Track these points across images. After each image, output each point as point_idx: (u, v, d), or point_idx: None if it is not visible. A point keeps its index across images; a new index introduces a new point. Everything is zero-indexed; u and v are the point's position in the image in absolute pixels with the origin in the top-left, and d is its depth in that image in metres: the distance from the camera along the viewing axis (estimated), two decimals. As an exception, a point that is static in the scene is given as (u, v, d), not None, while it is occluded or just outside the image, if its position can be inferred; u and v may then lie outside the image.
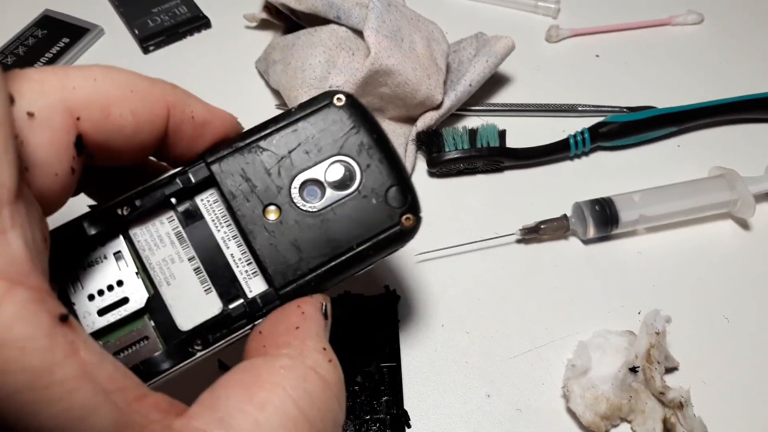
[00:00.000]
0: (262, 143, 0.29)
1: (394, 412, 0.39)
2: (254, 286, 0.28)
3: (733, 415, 0.40)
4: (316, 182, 0.28)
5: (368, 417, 0.39)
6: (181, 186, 0.28)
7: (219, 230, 0.28)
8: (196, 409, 0.21)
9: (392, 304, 0.43)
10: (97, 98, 0.23)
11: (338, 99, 0.29)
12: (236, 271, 0.28)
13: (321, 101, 0.29)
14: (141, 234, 0.28)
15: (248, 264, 0.28)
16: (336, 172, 0.29)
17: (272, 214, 0.28)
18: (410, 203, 0.29)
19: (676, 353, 0.41)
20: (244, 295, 0.27)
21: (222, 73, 0.57)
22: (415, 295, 0.44)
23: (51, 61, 0.58)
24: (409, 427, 0.39)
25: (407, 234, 0.29)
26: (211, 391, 0.22)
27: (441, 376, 0.41)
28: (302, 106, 0.29)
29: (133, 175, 0.29)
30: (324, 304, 0.27)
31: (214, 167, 0.28)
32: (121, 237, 0.27)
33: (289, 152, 0.29)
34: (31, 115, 0.21)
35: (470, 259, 0.46)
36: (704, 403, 0.39)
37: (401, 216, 0.28)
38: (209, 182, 0.28)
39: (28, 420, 0.17)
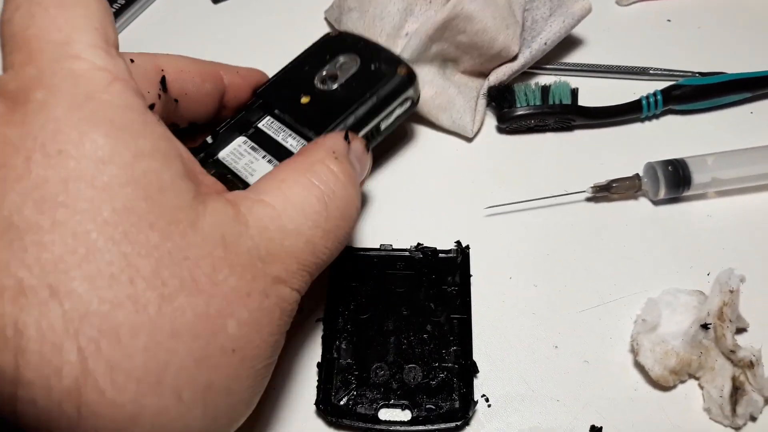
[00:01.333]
0: (290, 70, 0.42)
1: (462, 362, 0.39)
2: None
3: (803, 378, 0.40)
4: (331, 74, 0.40)
5: (436, 365, 0.39)
6: (251, 115, 0.41)
7: (278, 136, 0.40)
8: (238, 192, 0.29)
9: (465, 258, 0.43)
10: (173, 63, 0.34)
11: (332, 33, 0.44)
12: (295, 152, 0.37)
13: (321, 39, 0.43)
14: (226, 155, 0.40)
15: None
16: (344, 63, 0.41)
17: (304, 99, 0.39)
18: (400, 60, 0.40)
19: (745, 315, 0.41)
20: None
21: (290, 23, 0.58)
22: (483, 247, 0.45)
23: (124, 7, 0.58)
24: (476, 377, 0.39)
25: (407, 80, 0.40)
26: (247, 189, 0.30)
27: (508, 326, 0.42)
28: (309, 47, 0.43)
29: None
30: (346, 131, 0.34)
31: (264, 94, 0.41)
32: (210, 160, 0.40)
33: (308, 66, 0.41)
34: (132, 61, 0.30)
35: (539, 214, 0.46)
36: (773, 364, 0.39)
37: (397, 68, 0.39)
38: (265, 110, 0.41)
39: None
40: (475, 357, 0.40)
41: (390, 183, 0.48)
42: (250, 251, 0.26)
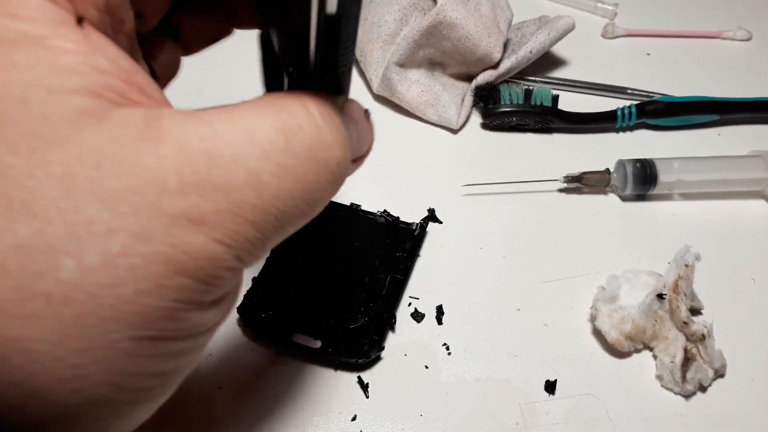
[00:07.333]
0: None
1: (384, 315, 0.41)
2: None
3: (752, 356, 0.41)
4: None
5: (363, 309, 0.41)
6: None
7: None
8: (182, 110, 0.21)
9: (422, 232, 0.46)
10: None
11: None
12: None
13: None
14: None
15: None
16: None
17: None
18: None
19: (702, 299, 0.43)
20: None
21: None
22: (458, 221, 0.47)
23: None
24: (392, 332, 0.41)
25: None
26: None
27: (475, 288, 0.43)
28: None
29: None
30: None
31: None
32: None
33: None
34: None
35: (513, 199, 0.49)
36: (724, 344, 0.41)
37: None
38: None
39: None
40: (445, 310, 0.42)
41: (376, 160, 0.51)
42: (148, 175, 0.18)
